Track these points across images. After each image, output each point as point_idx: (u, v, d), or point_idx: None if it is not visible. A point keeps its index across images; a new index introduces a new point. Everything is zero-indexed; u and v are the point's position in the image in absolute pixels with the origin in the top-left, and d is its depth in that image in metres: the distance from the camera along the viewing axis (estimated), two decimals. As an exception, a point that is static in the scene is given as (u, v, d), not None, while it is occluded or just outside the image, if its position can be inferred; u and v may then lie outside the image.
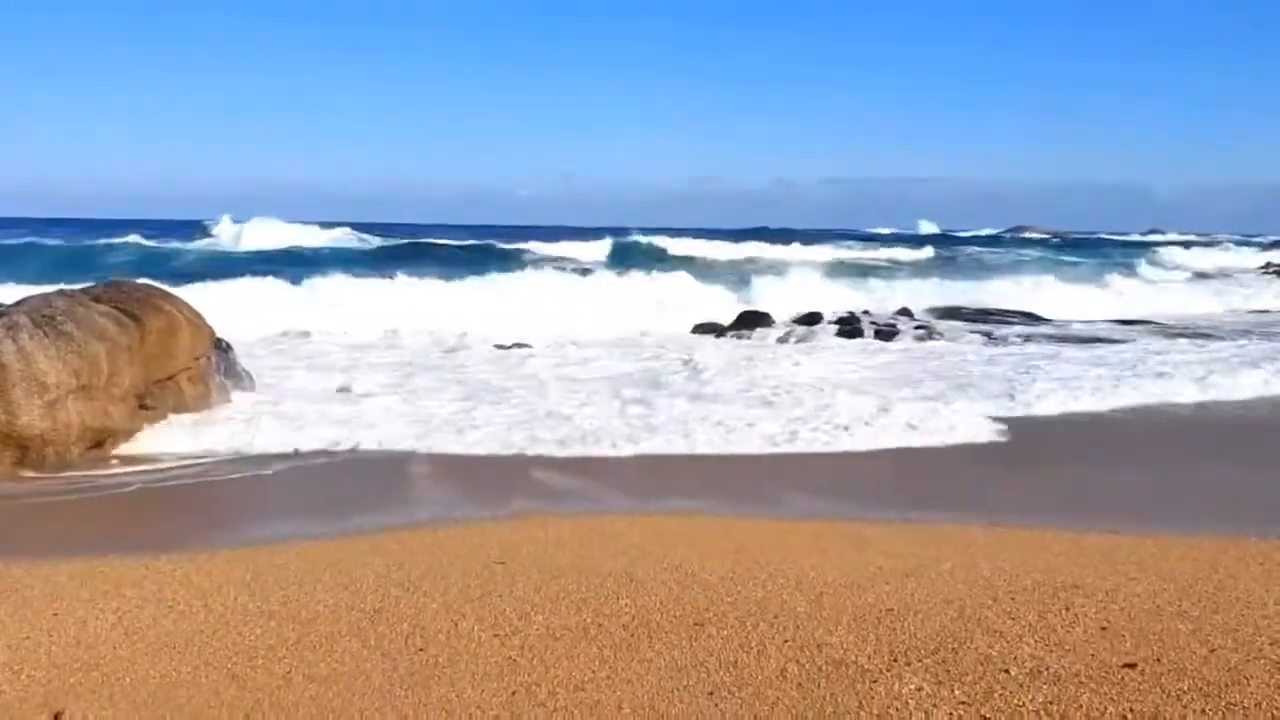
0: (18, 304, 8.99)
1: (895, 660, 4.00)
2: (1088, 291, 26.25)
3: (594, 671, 3.89)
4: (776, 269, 26.91)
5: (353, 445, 8.55)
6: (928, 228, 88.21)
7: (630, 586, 4.83)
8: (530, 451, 8.32)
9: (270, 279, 19.46)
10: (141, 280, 10.74)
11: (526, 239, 41.12)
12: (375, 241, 40.38)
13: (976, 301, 23.41)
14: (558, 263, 30.20)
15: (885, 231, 74.94)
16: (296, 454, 8.32)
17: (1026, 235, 78.01)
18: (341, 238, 41.02)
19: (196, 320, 9.74)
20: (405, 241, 40.78)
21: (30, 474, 7.73)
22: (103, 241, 35.75)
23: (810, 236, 54.96)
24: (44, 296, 9.03)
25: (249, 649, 4.09)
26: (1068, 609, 4.59)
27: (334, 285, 19.56)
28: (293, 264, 26.03)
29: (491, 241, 40.94)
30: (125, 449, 8.41)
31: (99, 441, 8.31)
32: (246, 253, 32.29)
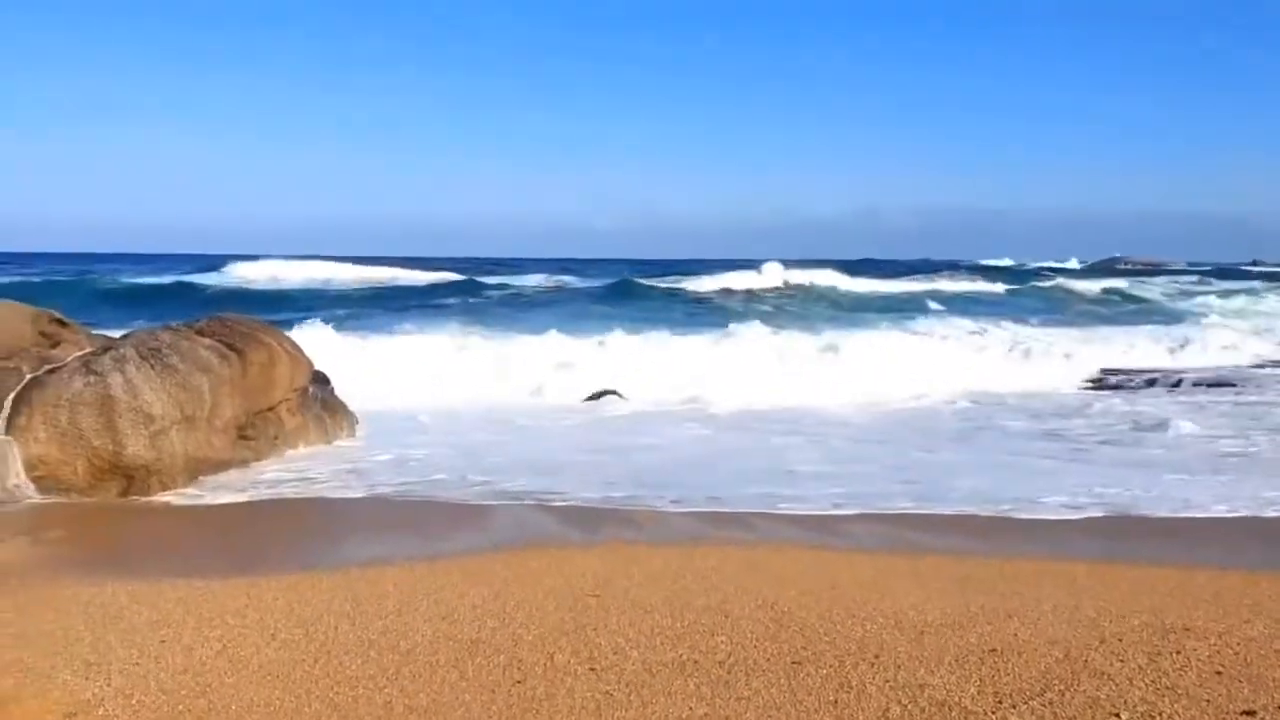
0: (125, 337, 9.30)
1: (1000, 702, 3.88)
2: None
3: (691, 708, 3.83)
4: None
5: (442, 475, 8.65)
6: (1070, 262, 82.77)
7: (726, 623, 4.77)
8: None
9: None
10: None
11: (665, 274, 40.89)
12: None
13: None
14: (759, 302, 29.70)
15: (1005, 263, 72.21)
16: (390, 482, 8.45)
17: (1122, 266, 75.67)
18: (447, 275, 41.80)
19: (295, 353, 9.95)
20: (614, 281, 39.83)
21: (136, 501, 7.95)
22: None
23: (909, 268, 54.43)
24: (150, 330, 9.32)
25: (350, 679, 4.12)
26: (1178, 651, 4.41)
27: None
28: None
29: (630, 278, 40.43)
30: (226, 478, 8.60)
31: (201, 471, 8.51)
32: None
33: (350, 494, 8.15)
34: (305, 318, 21.11)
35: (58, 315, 9.57)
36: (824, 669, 4.23)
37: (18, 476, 7.77)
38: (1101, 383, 15.98)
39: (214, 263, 47.47)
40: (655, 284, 36.33)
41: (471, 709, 3.82)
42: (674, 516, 7.35)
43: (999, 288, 40.83)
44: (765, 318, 23.09)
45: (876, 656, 4.37)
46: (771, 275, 35.85)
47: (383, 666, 4.24)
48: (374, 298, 32.29)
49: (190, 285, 34.90)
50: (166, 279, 38.24)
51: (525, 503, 7.76)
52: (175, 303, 27.17)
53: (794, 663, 4.30)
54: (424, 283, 39.17)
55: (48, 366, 8.40)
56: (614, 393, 13.48)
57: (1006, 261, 73.98)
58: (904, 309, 29.73)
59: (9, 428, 7.91)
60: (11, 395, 8.10)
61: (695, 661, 4.30)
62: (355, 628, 4.69)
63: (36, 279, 36.37)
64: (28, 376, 8.27)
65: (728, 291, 33.56)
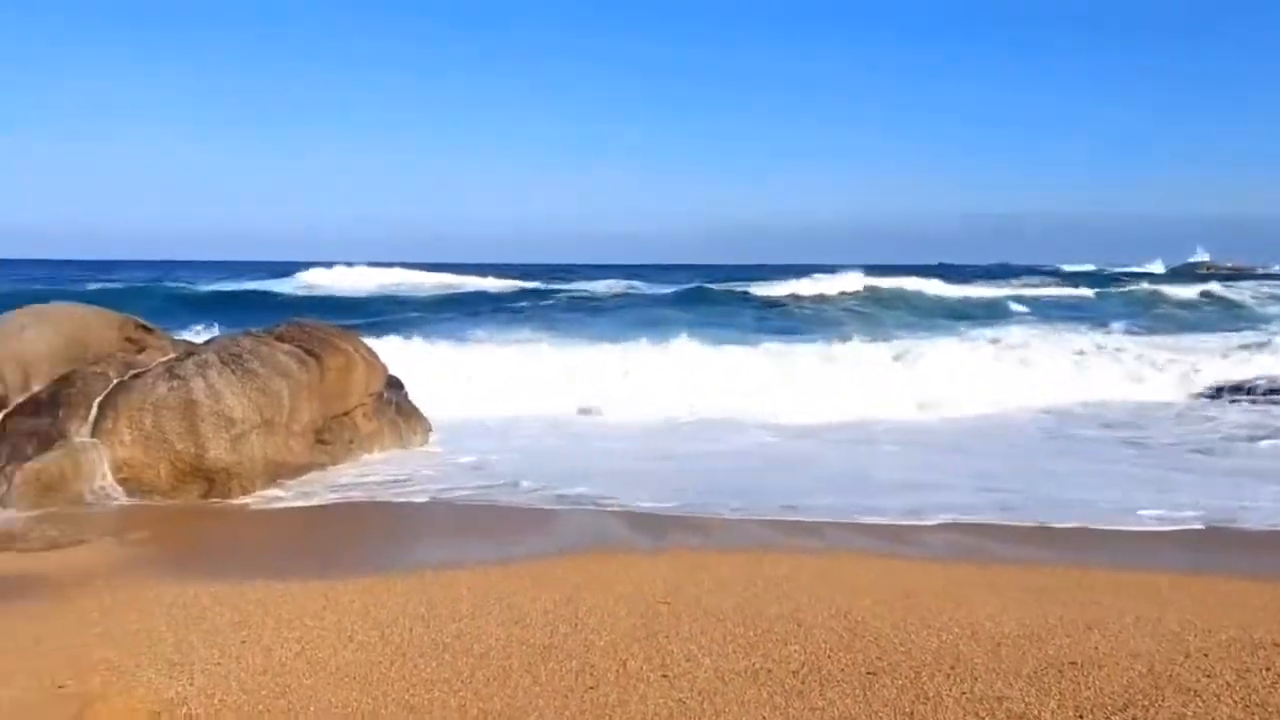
0: (207, 343, 9.53)
1: (1081, 717, 3.79)
2: None
3: (765, 717, 3.80)
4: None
5: (513, 480, 8.71)
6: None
7: (799, 632, 4.72)
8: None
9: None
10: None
11: (737, 279, 40.59)
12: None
13: None
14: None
15: (1088, 268, 69.78)
16: (462, 487, 8.53)
17: (1206, 269, 73.03)
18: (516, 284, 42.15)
19: (371, 358, 10.10)
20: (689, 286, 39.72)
21: (216, 503, 8.13)
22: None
23: (986, 273, 53.38)
24: (232, 336, 9.53)
25: (425, 681, 4.15)
26: (1268, 668, 4.27)
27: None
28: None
29: (702, 283, 40.34)
30: (303, 481, 8.75)
31: (280, 474, 8.67)
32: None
33: (423, 498, 8.24)
34: (376, 324, 21.44)
35: (142, 321, 9.83)
36: (899, 680, 4.17)
37: (104, 479, 7.98)
38: (1209, 391, 15.24)
39: (285, 269, 48.44)
40: (728, 288, 36.19)
41: (545, 714, 3.83)
42: (742, 523, 7.30)
43: (1084, 292, 39.76)
44: (839, 323, 22.89)
45: (952, 668, 4.30)
46: (846, 280, 35.39)
47: (457, 670, 4.27)
48: (445, 304, 32.64)
49: (264, 292, 35.63)
50: (240, 286, 39.14)
51: (593, 508, 7.77)
52: (249, 309, 27.70)
53: (869, 673, 4.24)
54: (494, 289, 39.56)
55: (133, 371, 8.63)
56: (678, 399, 13.49)
57: (1089, 266, 72.05)
58: (985, 315, 29.09)
59: (96, 431, 8.14)
60: (98, 400, 8.34)
61: (768, 670, 4.26)
62: (429, 631, 4.74)
63: (118, 285, 37.37)
64: (114, 381, 8.51)
65: (797, 297, 33.21)
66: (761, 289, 35.18)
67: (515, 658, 4.39)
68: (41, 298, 10.81)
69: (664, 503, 7.92)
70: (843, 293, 33.72)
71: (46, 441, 8.08)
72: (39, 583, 5.67)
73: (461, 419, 11.79)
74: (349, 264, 47.39)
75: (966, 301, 33.88)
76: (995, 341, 18.47)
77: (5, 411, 8.50)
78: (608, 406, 12.84)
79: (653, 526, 7.18)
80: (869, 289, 34.40)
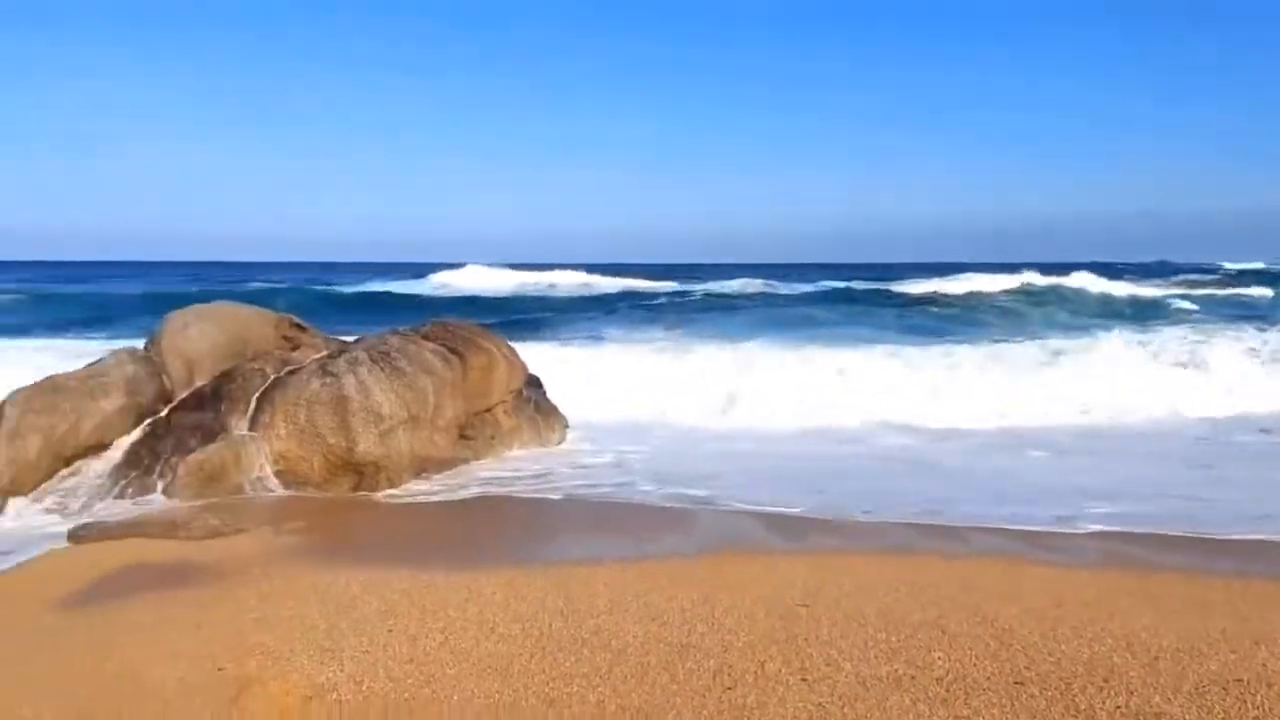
0: (357, 341, 9.84)
1: (1251, 740, 3.57)
2: None
3: (908, 726, 3.70)
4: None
5: (650, 479, 8.73)
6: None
7: (943, 639, 4.59)
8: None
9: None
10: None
11: (878, 279, 39.73)
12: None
13: None
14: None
15: (1257, 266, 64.97)
16: (599, 484, 8.59)
17: None
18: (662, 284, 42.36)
19: (512, 357, 10.28)
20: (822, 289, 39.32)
21: (365, 495, 8.39)
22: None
23: (1144, 271, 50.95)
24: (380, 335, 9.82)
25: (565, 675, 4.19)
26: None
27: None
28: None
29: (845, 283, 39.71)
30: (447, 476, 8.96)
31: (424, 469, 8.90)
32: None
33: (561, 494, 8.33)
34: (512, 323, 21.80)
35: (297, 320, 10.23)
36: (1049, 690, 4.00)
37: (261, 470, 8.33)
38: None
39: (419, 270, 49.82)
40: (875, 287, 35.47)
41: (682, 713, 3.82)
42: (882, 526, 7.13)
43: (1256, 290, 37.28)
44: (987, 323, 22.14)
45: (1106, 680, 4.10)
46: (997, 279, 34.14)
47: (595, 665, 4.29)
48: (579, 303, 33.01)
49: (405, 294, 36.66)
50: (382, 287, 40.40)
51: (729, 508, 7.71)
52: (389, 309, 28.55)
53: (1016, 683, 4.09)
54: (627, 288, 39.80)
55: (289, 368, 8.99)
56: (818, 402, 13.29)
57: (1258, 264, 67.75)
58: (1149, 313, 27.44)
59: (254, 425, 8.50)
60: (256, 395, 8.72)
61: (911, 677, 4.15)
62: (568, 625, 4.78)
63: (271, 286, 39.00)
64: (271, 377, 8.88)
65: (945, 295, 32.24)
66: (906, 287, 34.39)
67: (653, 655, 4.39)
68: (203, 298, 11.34)
69: (802, 504, 7.81)
70: (998, 290, 32.53)
71: (209, 434, 8.48)
72: (201, 570, 5.94)
73: (598, 418, 11.89)
74: (479, 265, 48.52)
75: (1130, 300, 32.11)
76: (1158, 341, 17.45)
77: (171, 406, 8.97)
78: (745, 407, 12.76)
79: (790, 528, 7.09)
80: (1023, 286, 33.08)
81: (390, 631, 4.72)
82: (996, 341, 18.02)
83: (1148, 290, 34.94)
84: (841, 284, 38.16)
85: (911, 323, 25.13)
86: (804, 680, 4.11)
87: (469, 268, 47.59)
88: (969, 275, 34.72)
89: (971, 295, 31.83)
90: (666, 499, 8.10)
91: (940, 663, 4.31)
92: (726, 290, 38.71)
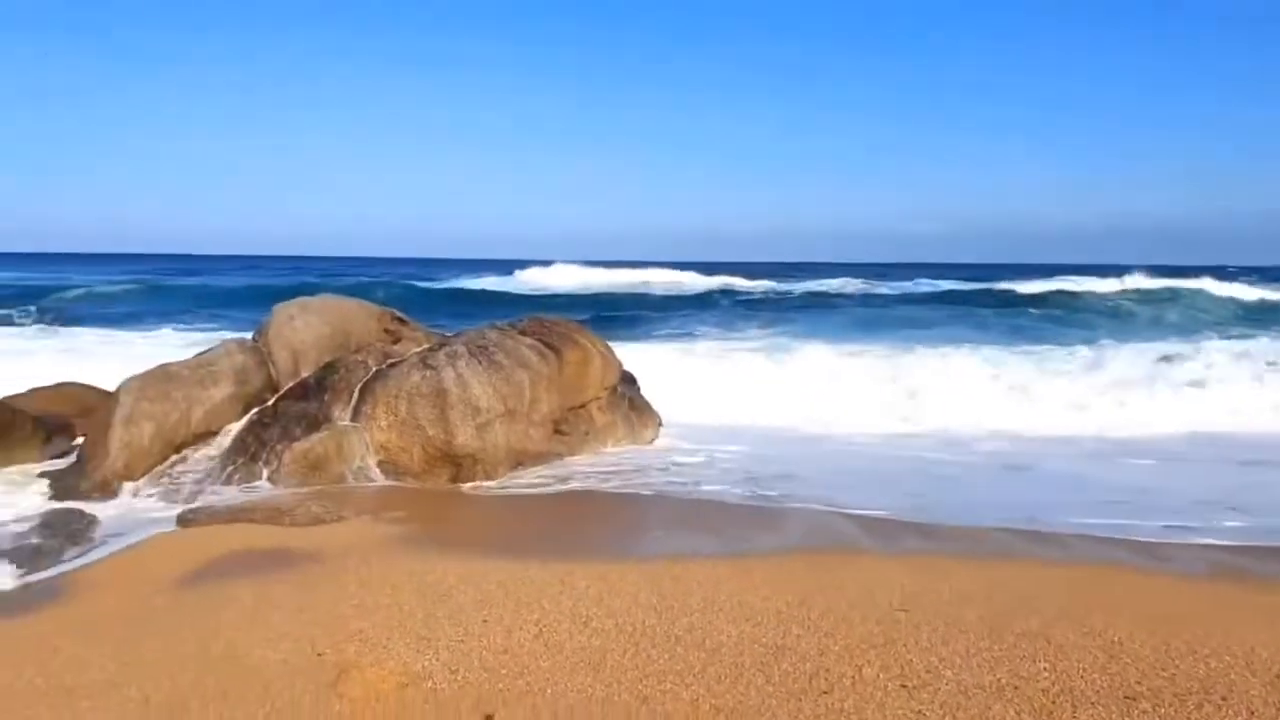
0: (456, 335, 9.95)
1: (1384, 769, 3.36)
2: None
3: (1012, 738, 3.57)
4: None
5: (743, 478, 8.65)
6: None
7: (1048, 649, 4.42)
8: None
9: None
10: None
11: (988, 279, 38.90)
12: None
13: None
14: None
15: None
16: (692, 481, 8.54)
17: None
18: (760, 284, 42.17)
19: (607, 353, 10.28)
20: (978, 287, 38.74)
21: (462, 487, 8.47)
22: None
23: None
24: (479, 329, 9.91)
25: (658, 673, 4.14)
26: None
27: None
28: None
29: (952, 283, 38.92)
30: (542, 469, 9.00)
31: (520, 462, 8.95)
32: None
33: (654, 490, 8.30)
34: (603, 320, 21.85)
35: (399, 314, 10.39)
36: (1162, 708, 3.82)
37: (362, 460, 8.47)
38: None
39: (506, 268, 50.34)
40: (984, 287, 34.62)
41: (777, 715, 3.74)
42: (981, 532, 6.93)
43: None
44: (1098, 326, 21.44)
45: (1224, 699, 3.91)
46: (1107, 281, 33.00)
47: (689, 663, 4.24)
48: (673, 301, 32.99)
49: (497, 292, 37.11)
50: (475, 284, 40.95)
51: (824, 509, 7.59)
52: (480, 305, 28.92)
53: (1127, 698, 3.91)
54: (722, 287, 39.64)
55: (390, 361, 9.13)
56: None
57: None
58: (1273, 319, 26.36)
59: (356, 415, 8.65)
60: (359, 386, 8.87)
61: (1015, 687, 4.00)
62: (662, 622, 4.73)
63: (372, 280, 39.84)
64: (373, 369, 9.02)
65: (1057, 294, 31.20)
66: (1012, 287, 33.54)
67: (748, 655, 4.32)
68: (304, 291, 11.59)
69: (896, 507, 7.65)
70: (1108, 292, 31.44)
71: (313, 424, 8.65)
72: (304, 556, 6.04)
73: (692, 416, 11.83)
74: (570, 262, 48.83)
75: (1252, 303, 30.49)
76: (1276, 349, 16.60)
77: (277, 395, 9.18)
78: (841, 407, 12.57)
79: (886, 531, 6.94)
80: (1135, 289, 31.87)
81: (485, 622, 4.74)
82: (1103, 345, 17.46)
83: (1269, 294, 33.30)
84: (945, 284, 37.40)
85: (1015, 324, 24.51)
86: (903, 687, 4.00)
87: (557, 265, 47.98)
88: (1074, 277, 33.69)
89: (1078, 296, 30.92)
90: (759, 498, 8.02)
91: (1045, 674, 4.15)
92: (824, 289, 38.29)
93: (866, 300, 33.21)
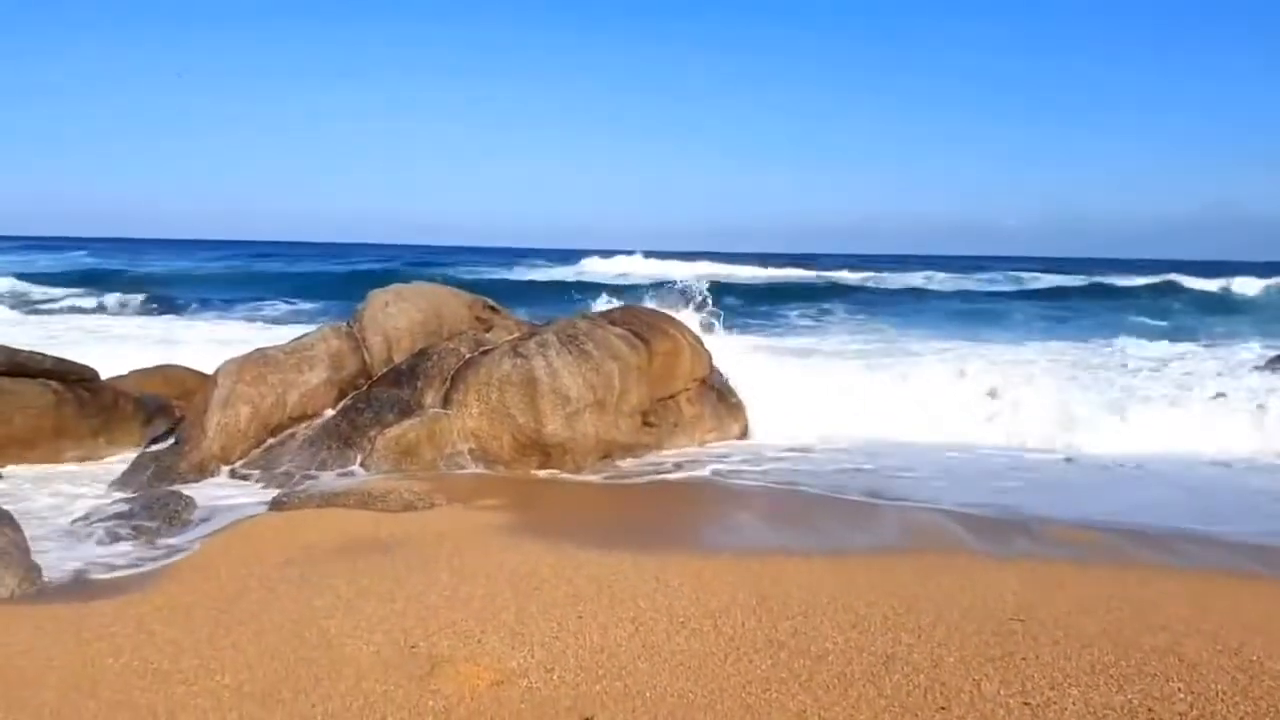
0: (547, 324, 9.79)
1: None
2: None
3: (1151, 767, 3.25)
4: None
5: (837, 473, 8.35)
6: None
7: (1181, 668, 4.06)
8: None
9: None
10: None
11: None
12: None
13: None
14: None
15: None
16: (785, 475, 8.27)
17: None
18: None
19: (696, 345, 10.03)
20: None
21: (551, 476, 8.31)
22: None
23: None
24: (569, 318, 9.74)
25: (761, 679, 3.89)
26: None
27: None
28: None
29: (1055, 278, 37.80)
30: (630, 460, 8.80)
31: (608, 453, 8.76)
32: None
33: (746, 483, 8.06)
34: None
35: (490, 302, 10.27)
36: (1316, 740, 3.47)
37: (453, 447, 8.35)
38: None
39: (568, 258, 50.27)
40: (1094, 280, 33.25)
41: (893, 731, 3.47)
42: (1091, 534, 6.53)
43: None
44: (1223, 323, 20.33)
45: (1384, 732, 3.53)
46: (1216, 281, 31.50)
47: (793, 671, 3.98)
48: (753, 293, 32.58)
49: (582, 282, 37.06)
50: (549, 275, 40.98)
51: (925, 507, 7.26)
52: (551, 295, 28.81)
53: (1275, 727, 3.56)
54: (794, 280, 39.11)
55: (482, 348, 9.00)
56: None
57: None
58: None
59: (448, 402, 8.54)
60: (451, 373, 8.76)
61: (1149, 709, 3.66)
62: (762, 626, 4.47)
63: (452, 270, 40.13)
64: (465, 356, 8.90)
65: (1172, 287, 29.81)
66: (1115, 280, 32.36)
67: (856, 664, 4.04)
68: (402, 277, 11.56)
69: (1000, 505, 7.29)
70: (1217, 289, 29.97)
71: (405, 410, 8.56)
72: (396, 543, 5.91)
73: (780, 409, 11.52)
74: (628, 252, 48.61)
75: None
76: None
77: (370, 381, 9.12)
78: (939, 402, 12.12)
79: (990, 531, 6.59)
80: (1238, 288, 30.38)
81: (580, 618, 4.53)
82: (1216, 344, 16.66)
83: None
84: (1049, 279, 36.28)
85: (1132, 320, 23.53)
86: (1026, 704, 3.69)
87: (617, 257, 47.77)
88: (1174, 274, 32.40)
89: (1184, 291, 29.67)
90: (854, 493, 7.72)
91: (1181, 695, 3.80)
92: (915, 283, 37.49)
93: (968, 296, 32.41)
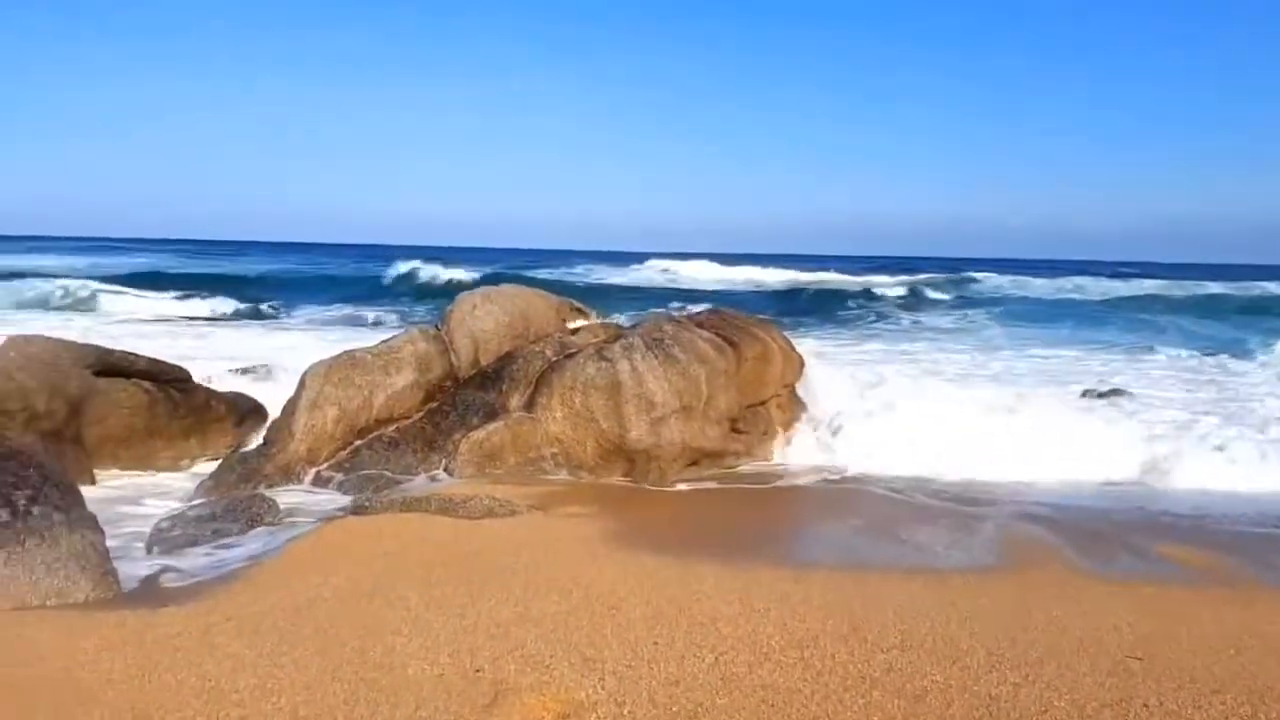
0: (633, 327, 9.46)
1: None
2: None
3: None
4: None
5: (930, 482, 7.84)
6: None
7: (1331, 724, 3.53)
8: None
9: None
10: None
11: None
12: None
13: None
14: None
15: None
16: (882, 485, 7.80)
17: None
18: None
19: (788, 349, 9.59)
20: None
21: (635, 484, 7.98)
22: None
23: None
24: (655, 321, 9.39)
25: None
26: None
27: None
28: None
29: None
30: (717, 469, 8.43)
31: (695, 460, 8.39)
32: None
33: (836, 495, 7.62)
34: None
35: (577, 304, 9.98)
36: None
37: (537, 452, 8.07)
38: None
39: (624, 259, 49.84)
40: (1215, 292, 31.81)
41: (999, 792, 3.04)
42: (1208, 554, 5.94)
43: None
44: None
45: None
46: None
47: (888, 713, 3.55)
48: (823, 298, 31.84)
49: (645, 287, 36.74)
50: (625, 279, 40.69)
51: (1025, 520, 6.76)
52: (614, 298, 28.51)
53: None
54: (869, 285, 38.11)
55: (567, 351, 8.71)
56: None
57: None
58: None
59: (532, 406, 8.26)
60: (536, 377, 8.48)
61: (1297, 775, 3.17)
62: (854, 659, 4.04)
63: (539, 274, 40.15)
64: (550, 360, 8.62)
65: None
66: (1216, 288, 30.86)
67: (957, 707, 3.60)
68: (490, 280, 11.36)
69: (1109, 518, 6.74)
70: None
71: (490, 414, 8.32)
72: (472, 553, 5.63)
73: (868, 415, 11.00)
74: (694, 256, 47.99)
75: None
76: None
77: (457, 384, 8.90)
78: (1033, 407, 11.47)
79: (1096, 548, 6.06)
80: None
81: (656, 645, 4.17)
82: None
83: None
84: (1148, 284, 34.72)
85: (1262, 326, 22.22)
86: (1152, 763, 3.22)
87: (691, 261, 47.20)
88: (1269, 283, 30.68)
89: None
90: (948, 501, 7.27)
91: (1333, 758, 3.28)
92: (1007, 288, 36.28)
93: (1076, 303, 31.20)
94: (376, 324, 23.49)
